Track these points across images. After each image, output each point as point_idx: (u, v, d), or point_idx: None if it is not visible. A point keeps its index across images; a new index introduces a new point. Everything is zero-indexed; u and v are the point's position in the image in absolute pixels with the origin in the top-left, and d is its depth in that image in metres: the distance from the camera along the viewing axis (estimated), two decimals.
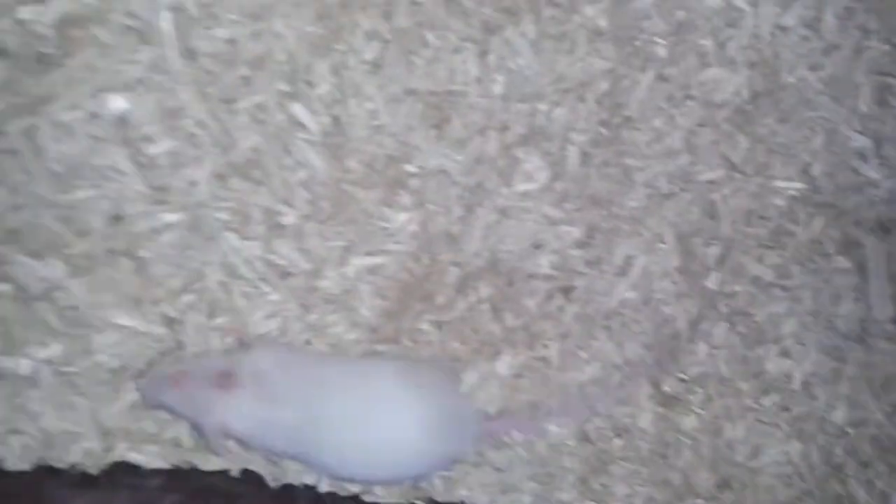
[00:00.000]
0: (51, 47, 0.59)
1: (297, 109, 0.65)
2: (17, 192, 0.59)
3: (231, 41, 0.63)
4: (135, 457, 0.64)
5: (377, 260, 0.67)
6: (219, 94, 0.63)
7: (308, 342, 0.65)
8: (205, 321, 0.64)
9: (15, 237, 0.60)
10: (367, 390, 0.61)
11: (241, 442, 0.61)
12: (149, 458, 0.63)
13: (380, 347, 0.67)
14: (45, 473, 0.63)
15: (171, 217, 0.63)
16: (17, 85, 0.58)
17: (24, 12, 0.57)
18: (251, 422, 0.59)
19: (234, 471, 0.63)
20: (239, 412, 0.59)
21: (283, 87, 0.65)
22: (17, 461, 0.60)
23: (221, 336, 0.64)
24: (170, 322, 0.64)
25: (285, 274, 0.66)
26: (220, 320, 0.64)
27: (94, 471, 0.63)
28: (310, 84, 0.65)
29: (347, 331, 0.67)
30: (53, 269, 0.61)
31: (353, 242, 0.66)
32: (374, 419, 0.59)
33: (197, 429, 0.61)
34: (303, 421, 0.60)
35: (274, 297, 0.66)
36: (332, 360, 0.64)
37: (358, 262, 0.66)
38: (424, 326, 0.68)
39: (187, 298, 0.64)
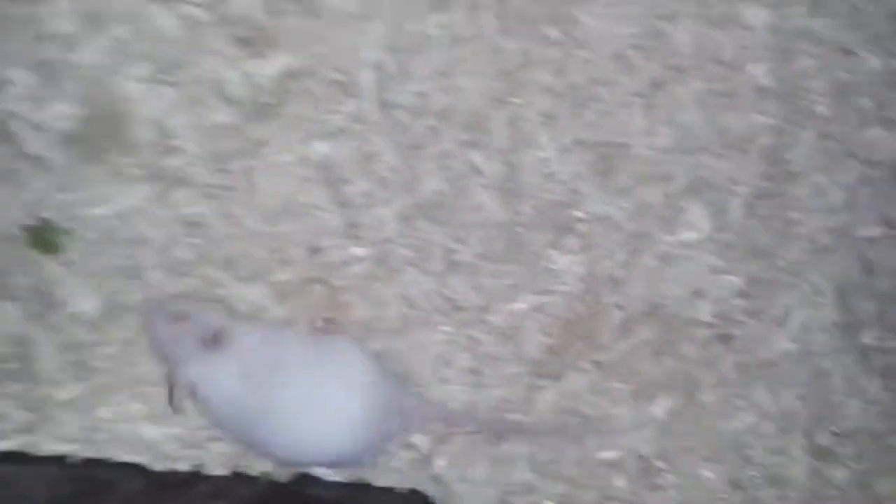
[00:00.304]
0: (270, 97, 0.68)
1: (476, 157, 0.73)
2: (234, 223, 0.69)
3: (421, 94, 0.72)
4: (316, 468, 0.72)
5: (544, 299, 0.74)
6: (408, 142, 0.72)
7: (474, 371, 0.72)
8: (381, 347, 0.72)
9: (230, 264, 0.69)
10: (316, 373, 0.65)
11: (199, 407, 0.64)
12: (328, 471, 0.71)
13: (541, 382, 0.73)
14: (239, 480, 0.72)
15: (360, 251, 0.72)
16: (241, 129, 0.68)
17: (251, 66, 0.67)
18: (219, 391, 0.62)
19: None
20: (213, 377, 0.62)
21: (465, 136, 0.73)
22: (217, 466, 0.70)
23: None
24: None
25: (458, 308, 0.73)
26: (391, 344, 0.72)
27: (282, 479, 0.71)
28: (488, 134, 0.73)
29: (511, 364, 0.73)
30: (259, 294, 0.70)
31: (521, 281, 0.73)
32: (320, 403, 0.63)
33: (168, 376, 0.64)
34: (263, 407, 0.62)
35: (446, 328, 0.73)
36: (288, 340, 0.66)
37: (525, 300, 0.73)
38: (585, 365, 0.74)
39: (369, 325, 0.73)
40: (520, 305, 0.73)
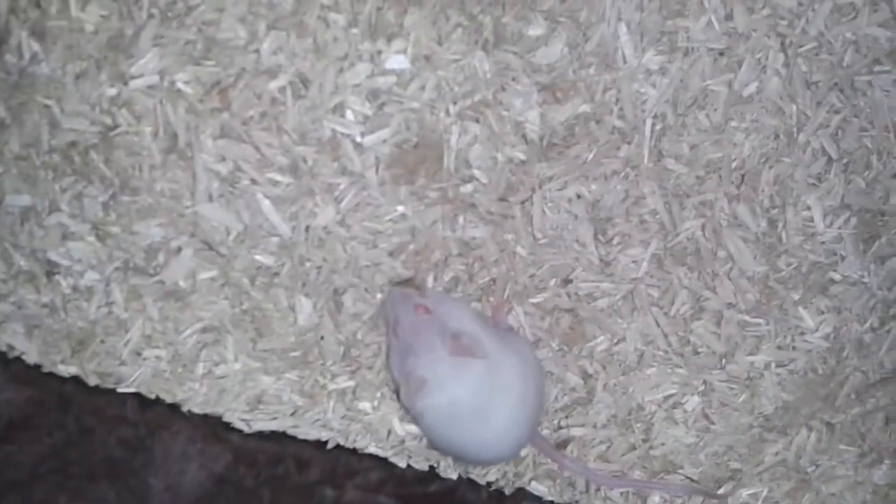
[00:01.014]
0: (559, 139, 0.78)
1: (740, 209, 0.81)
2: (504, 249, 0.79)
3: (694, 147, 0.80)
4: (536, 486, 0.83)
5: (788, 354, 0.82)
6: (674, 190, 0.80)
7: (705, 416, 0.82)
8: (612, 380, 0.83)
9: (490, 288, 0.80)
10: (515, 374, 0.74)
11: (413, 408, 0.71)
12: (546, 490, 0.82)
13: (769, 435, 0.82)
14: (469, 485, 0.84)
15: (609, 286, 0.81)
16: (529, 165, 0.77)
17: (549, 109, 0.76)
18: (447, 390, 0.70)
19: None
20: (447, 376, 0.70)
21: (731, 189, 0.81)
22: (449, 469, 0.82)
23: (624, 397, 0.83)
24: (586, 375, 0.83)
25: (696, 352, 0.83)
26: (622, 378, 0.83)
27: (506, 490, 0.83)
28: (756, 190, 0.81)
29: (743, 414, 0.83)
30: (516, 317, 0.81)
31: (767, 334, 0.82)
32: (519, 404, 0.73)
33: (397, 365, 0.72)
34: (478, 408, 0.70)
35: (681, 370, 0.82)
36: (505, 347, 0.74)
37: (769, 353, 0.82)
38: (815, 423, 0.82)
39: (602, 356, 0.82)
40: (762, 357, 0.81)
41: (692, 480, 0.84)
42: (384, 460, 0.81)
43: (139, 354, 0.76)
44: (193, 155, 0.72)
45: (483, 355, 0.69)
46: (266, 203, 0.73)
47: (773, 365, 0.80)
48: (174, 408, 0.77)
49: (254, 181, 0.74)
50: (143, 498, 0.76)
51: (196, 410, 0.77)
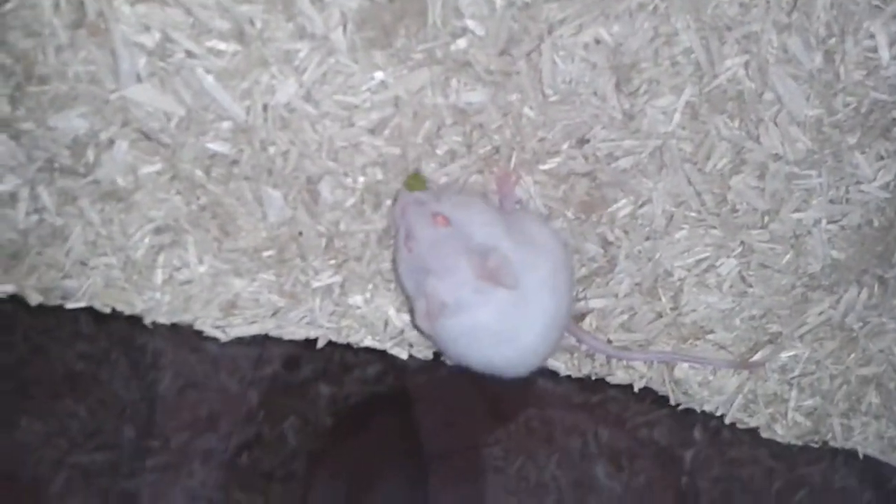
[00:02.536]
0: None
1: (792, 42, 0.78)
2: (504, 113, 0.77)
3: None
4: (551, 362, 0.88)
5: (840, 208, 0.84)
6: (711, 22, 0.76)
7: (742, 279, 0.85)
8: (636, 247, 0.86)
9: (490, 156, 0.79)
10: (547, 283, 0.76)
11: (431, 322, 0.72)
12: (563, 366, 0.89)
13: (815, 294, 0.86)
14: None
15: (633, 143, 0.80)
16: (535, 9, 0.73)
17: None
18: (475, 317, 0.72)
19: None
20: (482, 307, 0.71)
21: (781, 17, 0.77)
22: None
23: (649, 264, 0.86)
24: (606, 244, 0.86)
25: (734, 211, 0.83)
26: (647, 244, 0.85)
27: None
28: (808, 17, 0.77)
29: (786, 275, 0.86)
30: (525, 188, 0.81)
31: (818, 187, 0.83)
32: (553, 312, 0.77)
33: (411, 282, 0.74)
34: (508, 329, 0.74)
35: (716, 231, 0.84)
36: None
37: (820, 208, 0.83)
38: (866, 279, 0.86)
39: (624, 222, 0.84)
40: (812, 214, 0.83)
41: (723, 347, 0.86)
42: (383, 353, 0.84)
43: (85, 264, 0.77)
44: (108, 27, 0.68)
45: (513, 283, 0.70)
46: (209, 79, 0.71)
47: (823, 221, 0.83)
48: (135, 321, 0.77)
49: (190, 53, 0.71)
50: (117, 409, 0.79)
51: (162, 321, 0.77)
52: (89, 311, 0.81)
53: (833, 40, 0.78)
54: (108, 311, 0.80)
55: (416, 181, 0.76)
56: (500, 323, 0.73)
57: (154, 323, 0.81)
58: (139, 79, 0.71)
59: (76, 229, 0.77)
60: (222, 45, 0.71)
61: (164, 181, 0.77)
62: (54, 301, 0.79)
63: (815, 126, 0.81)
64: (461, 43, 0.74)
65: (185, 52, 0.71)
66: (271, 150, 0.75)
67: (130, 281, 0.79)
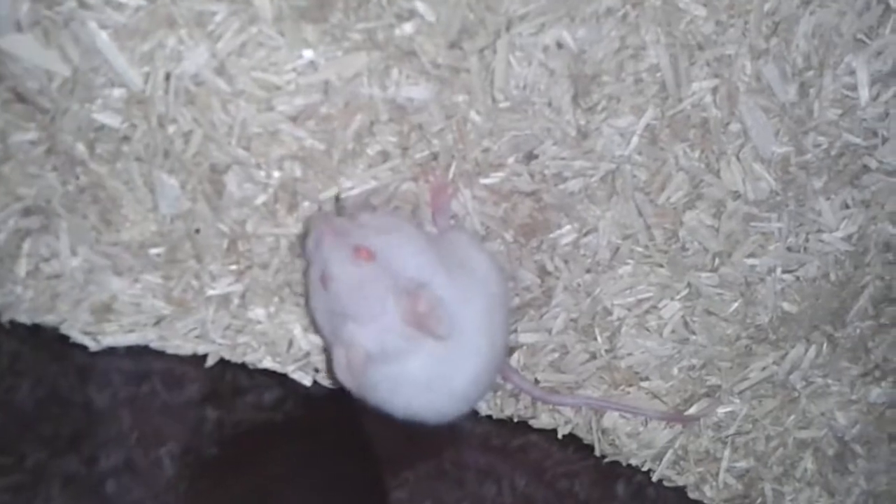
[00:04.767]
0: None
1: (768, 70, 0.69)
2: (448, 115, 0.66)
3: None
4: None
5: (797, 257, 0.75)
6: (683, 39, 0.67)
7: (685, 325, 0.78)
8: (576, 280, 0.76)
9: (430, 164, 0.68)
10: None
11: (353, 376, 0.60)
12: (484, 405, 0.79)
13: (759, 349, 0.76)
14: None
15: (585, 164, 0.70)
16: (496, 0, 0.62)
17: None
18: (408, 368, 0.61)
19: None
20: (410, 355, 0.60)
21: (759, 42, 0.68)
22: None
23: (588, 299, 0.76)
24: (544, 273, 0.76)
25: (684, 249, 0.74)
26: (587, 277, 0.75)
27: None
28: (787, 44, 0.68)
29: (732, 325, 0.77)
30: (458, 201, 0.70)
31: (776, 233, 0.74)
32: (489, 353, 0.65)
33: (326, 324, 0.62)
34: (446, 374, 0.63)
35: (662, 270, 0.75)
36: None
37: (775, 255, 0.75)
38: (815, 336, 0.78)
39: (566, 251, 0.75)
40: (767, 260, 0.74)
41: (657, 397, 0.76)
42: (283, 376, 0.70)
43: None
44: None
45: (446, 332, 0.58)
46: (102, 36, 0.57)
47: (778, 269, 0.73)
48: None
49: (83, 3, 0.56)
50: None
51: (21, 320, 0.62)
52: None
53: (811, 73, 0.70)
54: None
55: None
56: (431, 371, 0.62)
57: (12, 322, 0.65)
58: (19, 27, 0.57)
59: None
60: None
61: (39, 153, 0.62)
62: None
63: (781, 165, 0.72)
64: (407, 27, 0.62)
65: (78, 2, 0.56)
66: (171, 128, 0.62)
67: None
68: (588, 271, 0.75)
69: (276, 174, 0.64)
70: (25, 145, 0.61)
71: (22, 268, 0.64)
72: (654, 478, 0.82)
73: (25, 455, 0.64)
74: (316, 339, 0.71)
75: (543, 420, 0.80)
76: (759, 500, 0.85)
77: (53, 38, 0.59)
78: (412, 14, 0.62)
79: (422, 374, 0.62)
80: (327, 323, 0.61)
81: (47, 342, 0.67)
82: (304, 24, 0.60)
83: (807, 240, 0.75)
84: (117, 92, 0.60)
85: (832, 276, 0.76)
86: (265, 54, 0.61)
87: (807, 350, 0.79)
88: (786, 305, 0.76)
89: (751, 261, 0.75)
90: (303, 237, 0.64)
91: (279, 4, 0.59)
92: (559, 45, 0.65)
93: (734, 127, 0.71)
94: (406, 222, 0.65)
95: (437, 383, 0.63)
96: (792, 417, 0.82)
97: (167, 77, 0.60)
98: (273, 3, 0.59)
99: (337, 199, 0.65)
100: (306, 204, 0.66)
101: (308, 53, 0.61)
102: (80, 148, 0.62)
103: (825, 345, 0.79)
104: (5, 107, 0.60)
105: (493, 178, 0.70)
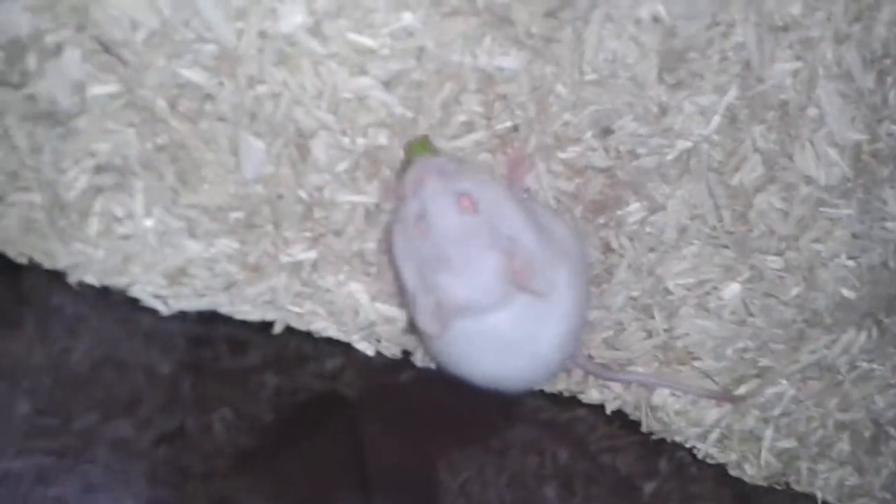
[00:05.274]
0: None
1: (850, 56, 0.69)
2: (534, 87, 0.64)
3: None
4: None
5: (861, 243, 0.75)
6: (768, 19, 0.66)
7: (745, 305, 0.77)
8: (641, 258, 0.74)
9: (509, 136, 0.67)
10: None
11: (440, 325, 0.58)
12: None
13: (811, 332, 0.77)
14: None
15: (658, 141, 0.68)
16: None
17: None
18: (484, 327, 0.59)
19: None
20: (500, 311, 0.58)
21: (843, 26, 0.67)
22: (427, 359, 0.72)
23: (650, 278, 0.75)
24: (608, 250, 0.75)
25: (750, 231, 0.73)
26: (651, 256, 0.74)
27: None
28: (869, 31, 0.68)
29: (790, 308, 0.77)
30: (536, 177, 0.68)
31: (845, 219, 0.73)
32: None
33: (415, 270, 0.59)
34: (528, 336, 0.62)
35: (727, 252, 0.75)
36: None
37: (840, 241, 0.75)
38: (867, 322, 0.78)
39: (633, 229, 0.74)
40: (832, 246, 0.73)
41: (707, 376, 0.76)
42: (346, 345, 0.68)
43: (1, 200, 0.56)
44: None
45: (545, 289, 0.57)
46: None
47: (843, 255, 0.72)
48: (56, 276, 0.59)
49: None
50: (15, 373, 0.63)
51: (89, 281, 0.59)
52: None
53: (888, 61, 0.68)
54: (23, 260, 0.60)
55: (423, 147, 0.60)
56: (518, 330, 0.59)
57: (80, 283, 0.62)
58: None
59: None
60: None
61: (117, 108, 0.59)
62: None
63: (854, 152, 0.71)
64: None
65: None
66: (259, 89, 0.58)
67: (55, 227, 0.60)
68: (652, 250, 0.74)
69: (361, 141, 0.62)
70: (103, 98, 0.58)
71: (93, 227, 0.61)
72: (700, 455, 0.81)
73: (72, 417, 0.61)
74: (383, 309, 0.70)
75: (592, 395, 0.80)
76: (794, 478, 0.85)
77: None
78: None
79: (507, 332, 0.60)
80: (413, 269, 0.58)
81: (114, 304, 0.64)
82: None
83: (871, 227, 0.74)
84: (207, 48, 0.57)
85: (891, 264, 0.76)
86: (362, 16, 0.58)
87: (857, 335, 0.79)
88: (845, 291, 0.76)
89: (817, 246, 0.74)
90: (401, 176, 0.61)
91: None
92: (655, 19, 0.63)
93: (811, 111, 0.70)
94: (505, 186, 0.63)
95: (521, 344, 0.61)
96: (835, 400, 0.82)
97: (261, 34, 0.57)
98: None
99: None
100: (387, 172, 0.64)
101: (406, 17, 0.58)
102: (162, 104, 0.59)
103: (874, 330, 0.79)
104: (87, 57, 0.56)
105: (570, 153, 0.68)
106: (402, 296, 0.65)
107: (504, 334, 0.59)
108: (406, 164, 0.58)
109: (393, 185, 0.61)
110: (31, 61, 0.56)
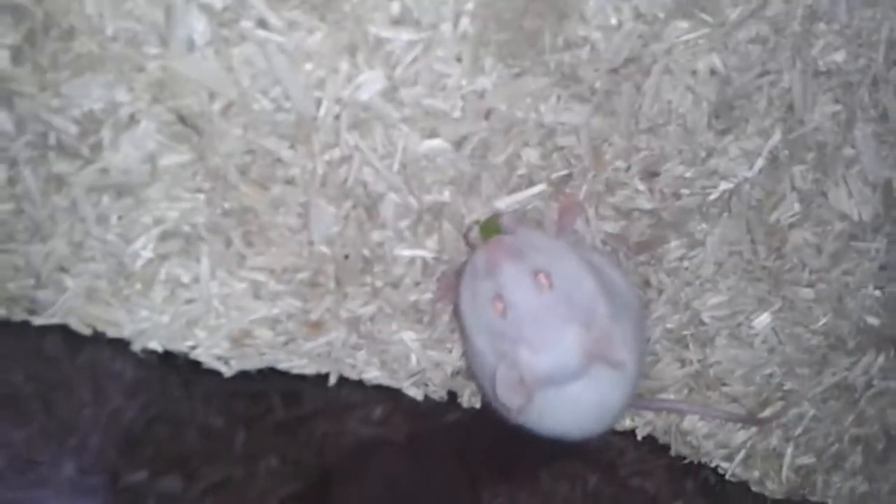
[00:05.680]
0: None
1: (888, 100, 0.76)
2: (592, 138, 0.70)
3: (853, 9, 0.72)
4: None
5: (888, 274, 0.83)
6: (812, 65, 0.73)
7: (776, 333, 0.85)
8: (679, 293, 0.81)
9: (563, 184, 0.73)
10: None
11: (522, 399, 0.62)
12: None
13: (832, 356, 0.86)
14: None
15: (702, 183, 0.77)
16: (662, 26, 0.66)
17: None
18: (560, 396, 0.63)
19: None
20: (577, 380, 0.62)
21: (881, 70, 0.75)
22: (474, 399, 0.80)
23: (687, 312, 0.82)
24: (646, 285, 0.81)
25: (785, 266, 0.81)
26: (688, 290, 0.81)
27: None
28: None
29: (816, 335, 0.85)
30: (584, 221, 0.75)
31: (873, 252, 0.81)
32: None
33: (491, 345, 0.63)
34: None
35: (761, 285, 0.82)
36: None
37: (869, 273, 0.82)
38: (884, 345, 0.86)
39: (673, 266, 0.80)
40: (860, 278, 0.83)
41: (735, 400, 0.84)
42: (396, 391, 0.74)
43: (65, 271, 0.59)
44: None
45: (623, 361, 0.62)
46: (281, 59, 0.55)
47: (870, 286, 0.80)
48: (120, 343, 0.62)
49: (262, 22, 0.55)
50: (60, 437, 0.66)
51: (153, 347, 0.62)
52: (61, 329, 0.63)
53: None
54: (87, 331, 0.63)
55: (492, 226, 0.65)
56: (592, 393, 0.66)
57: (144, 350, 0.65)
58: (192, 46, 0.56)
59: (62, 226, 0.60)
60: (302, 17, 0.57)
61: (188, 176, 0.61)
62: (19, 315, 0.61)
63: (885, 189, 0.78)
64: (580, 54, 0.64)
65: (257, 21, 0.57)
66: (331, 154, 0.62)
67: (120, 295, 0.63)
68: (688, 284, 0.80)
69: (427, 198, 0.66)
70: (174, 168, 0.61)
71: (159, 294, 0.64)
72: (729, 475, 0.89)
73: (120, 475, 0.65)
74: (432, 355, 0.74)
75: (625, 423, 0.86)
76: (809, 490, 0.95)
77: (224, 57, 0.58)
78: (585, 41, 0.64)
79: (583, 397, 0.66)
80: (489, 343, 0.64)
81: (174, 368, 0.68)
82: (484, 48, 0.61)
83: (895, 258, 0.82)
84: (284, 116, 0.60)
85: None
86: (435, 80, 0.62)
87: (876, 357, 0.88)
88: (869, 318, 0.84)
89: (847, 278, 0.82)
90: (475, 256, 0.66)
91: (476, 33, 0.60)
92: (712, 72, 0.69)
93: (847, 151, 0.77)
94: (577, 251, 0.68)
95: (596, 407, 0.68)
96: (851, 417, 0.92)
97: (338, 102, 0.61)
98: (456, 31, 0.60)
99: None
100: (447, 226, 0.68)
101: (482, 81, 0.63)
102: (233, 171, 0.62)
103: (892, 352, 0.88)
104: (161, 129, 0.59)
105: (618, 197, 0.74)
106: (465, 351, 0.72)
107: (581, 400, 0.65)
108: (476, 243, 0.63)
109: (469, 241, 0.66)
110: (107, 134, 0.59)
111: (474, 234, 0.66)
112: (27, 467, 0.64)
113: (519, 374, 0.61)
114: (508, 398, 0.62)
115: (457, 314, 0.68)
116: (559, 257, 0.64)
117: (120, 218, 0.63)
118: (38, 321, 0.63)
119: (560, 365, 0.62)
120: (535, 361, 0.61)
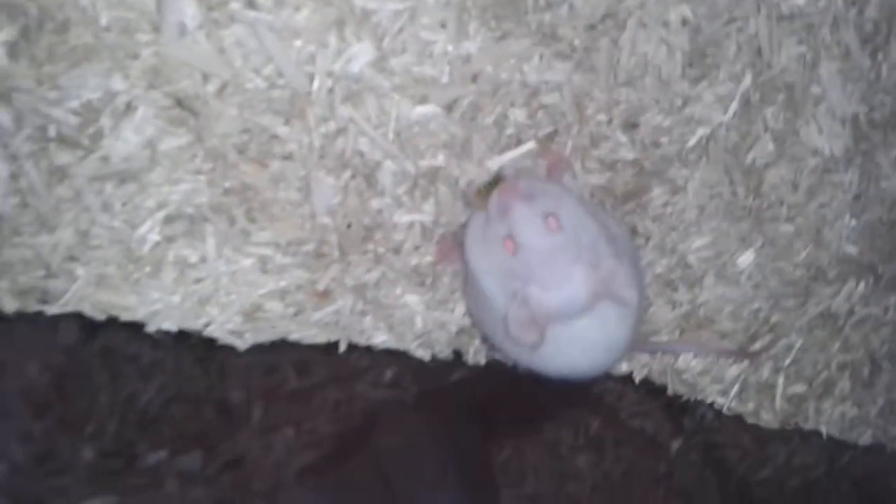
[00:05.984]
0: None
1: (849, 36, 0.78)
2: (574, 94, 0.71)
3: None
4: None
5: (861, 204, 0.85)
6: (777, 11, 0.74)
7: (760, 269, 0.87)
8: (665, 238, 0.83)
9: (549, 140, 0.74)
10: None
11: (534, 334, 0.64)
12: None
13: (815, 286, 0.87)
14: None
15: (680, 131, 0.78)
16: None
17: None
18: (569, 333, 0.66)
19: None
20: (584, 318, 0.65)
21: (840, 9, 0.77)
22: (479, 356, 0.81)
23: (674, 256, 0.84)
24: (633, 234, 0.82)
25: (764, 204, 0.83)
26: (674, 235, 0.83)
27: None
28: (861, 13, 0.77)
29: (799, 268, 0.87)
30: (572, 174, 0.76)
31: (846, 184, 0.83)
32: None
33: (502, 285, 0.65)
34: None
35: (743, 224, 0.84)
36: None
37: (844, 204, 0.84)
38: (864, 272, 0.89)
39: (657, 212, 0.81)
40: (836, 209, 0.85)
41: (725, 336, 0.86)
42: (403, 354, 0.75)
43: (75, 259, 0.60)
44: None
45: (631, 299, 0.64)
46: (272, 37, 0.56)
47: (846, 216, 0.81)
48: (134, 328, 0.63)
49: (250, 3, 0.56)
50: (78, 424, 0.65)
51: (167, 327, 0.63)
52: (76, 317, 0.64)
53: (880, 38, 0.78)
54: (101, 317, 0.64)
55: (492, 188, 0.66)
56: (602, 331, 0.67)
57: (159, 331, 0.65)
58: (183, 31, 0.56)
59: (68, 216, 0.60)
60: None
61: (187, 158, 0.61)
62: (32, 307, 0.61)
63: (853, 123, 0.80)
64: (560, 13, 0.65)
65: (245, 2, 0.56)
66: (326, 127, 0.63)
67: (130, 280, 0.64)
68: (674, 229, 0.82)
69: (422, 164, 0.67)
70: (174, 151, 0.61)
71: (168, 275, 0.65)
72: (726, 409, 0.91)
73: (138, 457, 0.65)
74: (437, 316, 0.75)
75: (621, 367, 0.88)
76: (802, 418, 0.97)
77: (215, 40, 0.58)
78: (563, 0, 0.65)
79: (592, 333, 0.68)
80: (499, 280, 0.65)
81: (189, 346, 0.68)
82: (468, 16, 0.62)
83: (868, 188, 0.84)
84: (278, 93, 0.61)
85: (884, 219, 0.87)
86: (422, 47, 0.63)
87: (857, 285, 0.90)
88: (848, 248, 0.86)
89: (823, 210, 0.84)
90: (482, 194, 0.67)
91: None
92: (684, 22, 0.70)
93: (814, 90, 0.78)
94: (582, 200, 0.70)
95: (604, 342, 0.69)
96: (837, 344, 0.94)
97: (329, 76, 0.61)
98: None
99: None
100: (443, 189, 0.69)
101: (467, 45, 0.63)
102: (232, 151, 0.62)
103: (872, 279, 0.90)
104: (159, 114, 0.59)
105: (602, 150, 0.75)
106: (468, 300, 0.73)
107: (591, 336, 0.67)
108: (486, 189, 0.64)
109: (473, 200, 0.67)
110: (106, 122, 0.59)
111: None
112: (47, 456, 0.64)
113: (530, 311, 0.62)
114: (521, 335, 0.63)
115: (464, 264, 0.69)
116: (567, 203, 0.65)
117: (124, 204, 0.63)
118: (51, 310, 0.63)
119: (569, 302, 0.64)
120: (546, 299, 0.63)
